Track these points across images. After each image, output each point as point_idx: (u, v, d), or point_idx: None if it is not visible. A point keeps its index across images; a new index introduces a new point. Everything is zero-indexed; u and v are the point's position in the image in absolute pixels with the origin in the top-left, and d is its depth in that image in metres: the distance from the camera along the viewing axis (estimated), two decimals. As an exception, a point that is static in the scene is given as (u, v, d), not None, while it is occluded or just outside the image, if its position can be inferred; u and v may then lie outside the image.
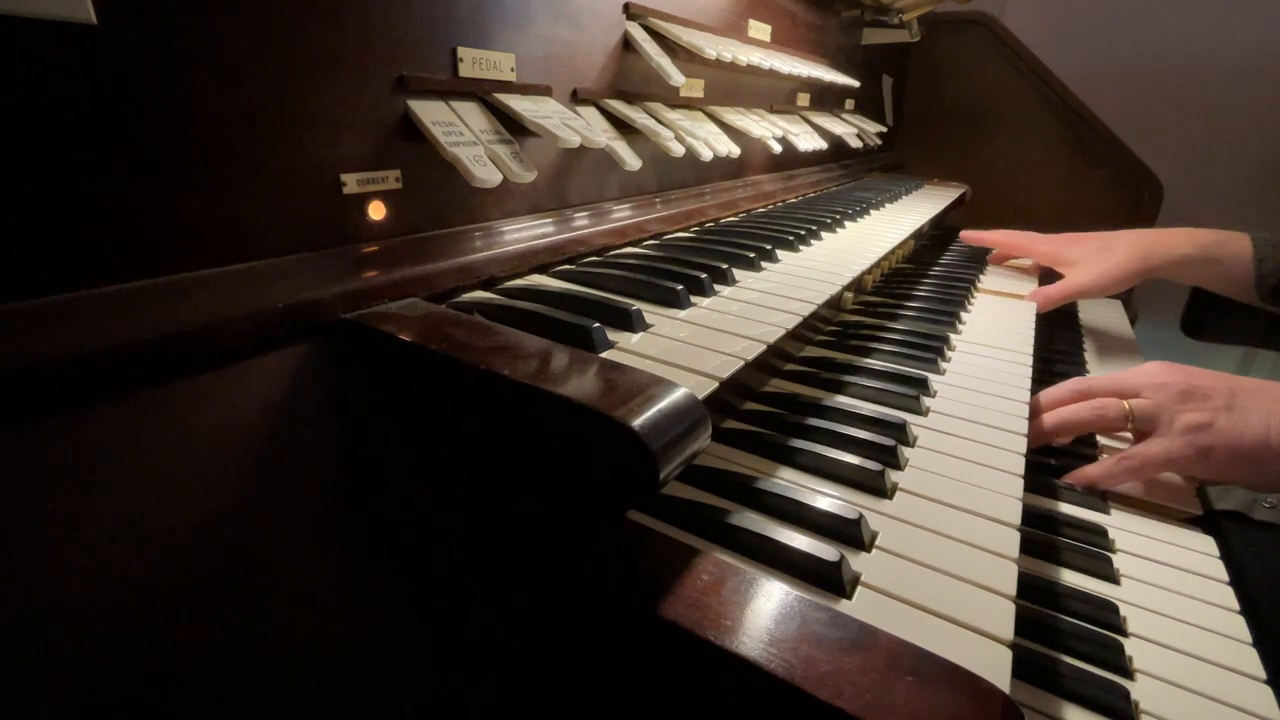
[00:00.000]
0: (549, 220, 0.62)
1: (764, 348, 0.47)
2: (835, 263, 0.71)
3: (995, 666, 0.31)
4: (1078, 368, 0.94)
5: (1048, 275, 1.06)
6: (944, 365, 0.69)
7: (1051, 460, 0.67)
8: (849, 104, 1.50)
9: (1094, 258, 0.95)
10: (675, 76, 0.69)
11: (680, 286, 0.53)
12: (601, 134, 0.61)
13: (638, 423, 0.31)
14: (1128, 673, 0.42)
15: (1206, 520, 0.60)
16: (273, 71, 0.39)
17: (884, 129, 1.58)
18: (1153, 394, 0.62)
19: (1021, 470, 0.49)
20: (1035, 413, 0.66)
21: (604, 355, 0.42)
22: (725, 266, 0.61)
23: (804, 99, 1.25)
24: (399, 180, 0.48)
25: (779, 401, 0.59)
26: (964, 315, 0.85)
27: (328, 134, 0.42)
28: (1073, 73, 1.70)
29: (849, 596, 0.36)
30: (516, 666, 0.44)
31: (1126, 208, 1.64)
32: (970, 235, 1.20)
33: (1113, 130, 1.63)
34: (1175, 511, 0.60)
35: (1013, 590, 0.37)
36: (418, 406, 0.42)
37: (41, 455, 0.28)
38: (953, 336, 0.77)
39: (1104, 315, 1.20)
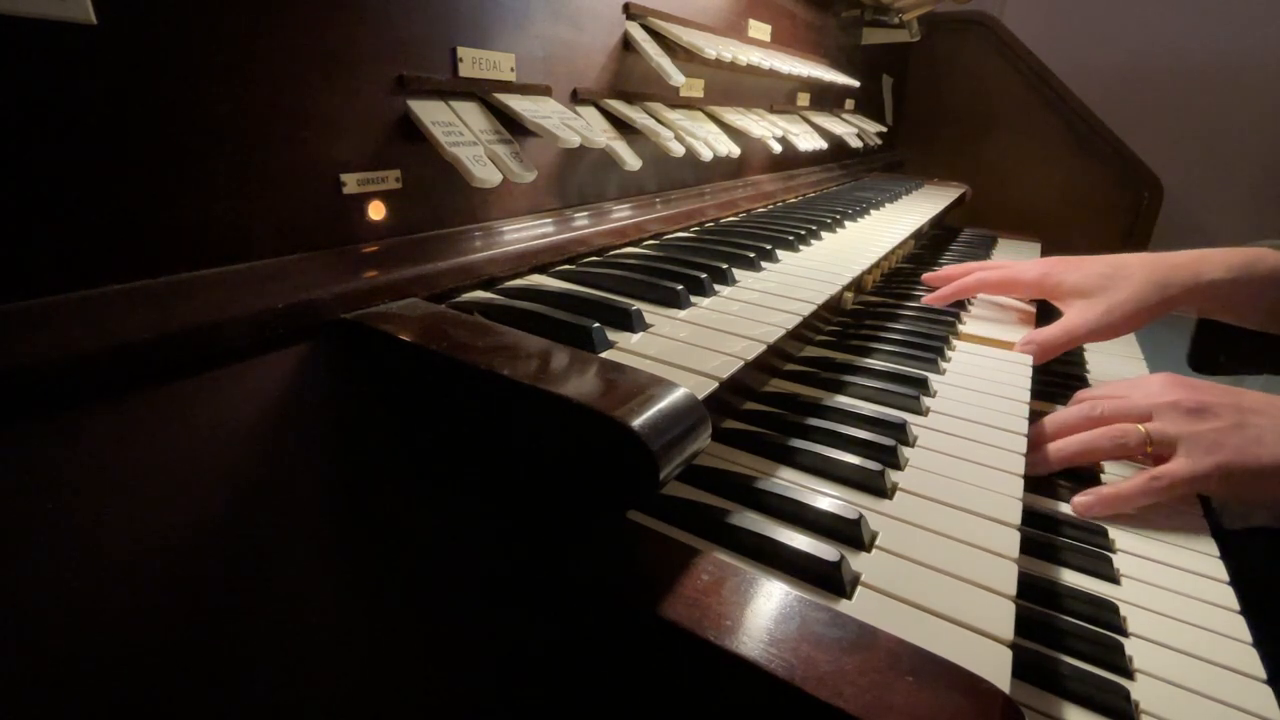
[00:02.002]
0: (549, 220, 0.62)
1: (764, 348, 0.47)
2: (835, 263, 0.71)
3: (995, 666, 0.31)
4: (1078, 368, 0.93)
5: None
6: (944, 365, 0.69)
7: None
8: (849, 104, 1.50)
9: (1099, 289, 0.76)
10: (675, 76, 0.69)
11: (680, 286, 0.53)
12: (601, 134, 0.61)
13: (638, 423, 0.31)
14: (1128, 673, 0.42)
15: (1206, 520, 0.60)
16: (272, 71, 0.39)
17: (884, 129, 1.58)
18: (1164, 414, 0.60)
19: (1022, 470, 0.49)
20: (1043, 439, 0.64)
21: (604, 355, 0.42)
22: (725, 266, 0.61)
23: (804, 99, 1.25)
24: (399, 180, 0.48)
25: (779, 401, 0.59)
26: (964, 316, 0.85)
27: (327, 134, 0.42)
28: (1073, 72, 1.70)
29: (849, 596, 0.36)
30: (516, 666, 0.44)
31: (1126, 208, 1.64)
32: (933, 297, 0.88)
33: (1113, 130, 1.63)
34: (1175, 512, 0.60)
35: (1013, 590, 0.37)
36: (417, 407, 0.42)
37: (41, 455, 0.28)
38: (953, 337, 0.77)
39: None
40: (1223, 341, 0.82)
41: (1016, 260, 0.89)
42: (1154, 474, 0.57)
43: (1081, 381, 0.89)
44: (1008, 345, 0.76)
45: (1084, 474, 0.64)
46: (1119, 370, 0.94)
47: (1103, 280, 0.76)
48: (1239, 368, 0.84)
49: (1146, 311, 0.73)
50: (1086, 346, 1.02)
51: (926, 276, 0.92)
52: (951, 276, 0.89)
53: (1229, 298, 0.73)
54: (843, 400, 0.59)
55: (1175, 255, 0.76)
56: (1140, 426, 0.60)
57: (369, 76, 0.44)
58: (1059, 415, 0.65)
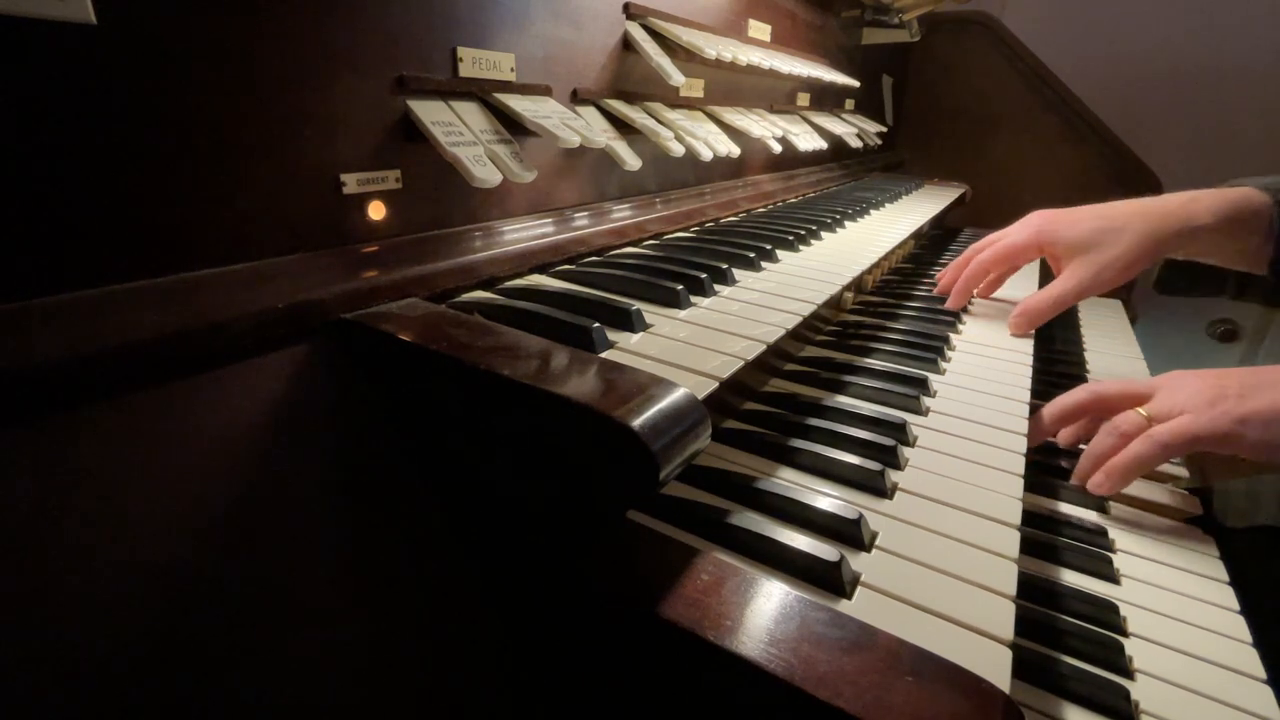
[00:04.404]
0: (549, 220, 0.62)
1: (764, 348, 0.47)
2: (835, 263, 0.71)
3: (995, 666, 0.31)
4: (1078, 368, 0.93)
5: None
6: (944, 365, 0.69)
7: (1062, 463, 0.66)
8: (849, 104, 1.50)
9: (1094, 243, 0.76)
10: (675, 76, 0.69)
11: (680, 286, 0.53)
12: (601, 134, 0.61)
13: (638, 423, 0.31)
14: (1128, 673, 0.42)
15: (1206, 520, 0.60)
16: (272, 71, 0.39)
17: (884, 129, 1.58)
18: (1169, 392, 0.58)
19: (1021, 470, 0.49)
20: (1045, 421, 0.63)
21: (604, 355, 0.42)
22: (725, 266, 0.61)
23: (804, 99, 1.25)
24: (399, 180, 0.48)
25: (779, 401, 0.59)
26: (964, 315, 0.85)
27: (328, 134, 0.42)
28: (1073, 72, 1.70)
29: (849, 596, 0.36)
30: (517, 666, 0.44)
31: (1126, 207, 1.64)
32: (949, 303, 0.87)
33: (1113, 130, 1.63)
34: (1176, 512, 0.60)
35: (1013, 590, 0.37)
36: (418, 407, 0.42)
37: (42, 455, 0.28)
38: (953, 336, 0.77)
39: (1103, 315, 1.20)
40: (1185, 270, 0.85)
41: (1004, 230, 0.88)
42: (1151, 431, 0.56)
43: (1081, 380, 0.89)
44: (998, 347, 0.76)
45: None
46: (1119, 369, 0.94)
47: (1098, 235, 0.77)
48: (1194, 289, 0.87)
49: (1139, 262, 0.75)
50: (1086, 346, 1.02)
51: (940, 277, 0.92)
52: (954, 279, 0.88)
53: (1215, 242, 0.74)
54: (843, 400, 0.59)
55: (1166, 202, 0.76)
56: (1140, 410, 0.59)
57: (369, 76, 0.44)
58: (1094, 446, 0.61)
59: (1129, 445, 0.57)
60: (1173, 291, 0.88)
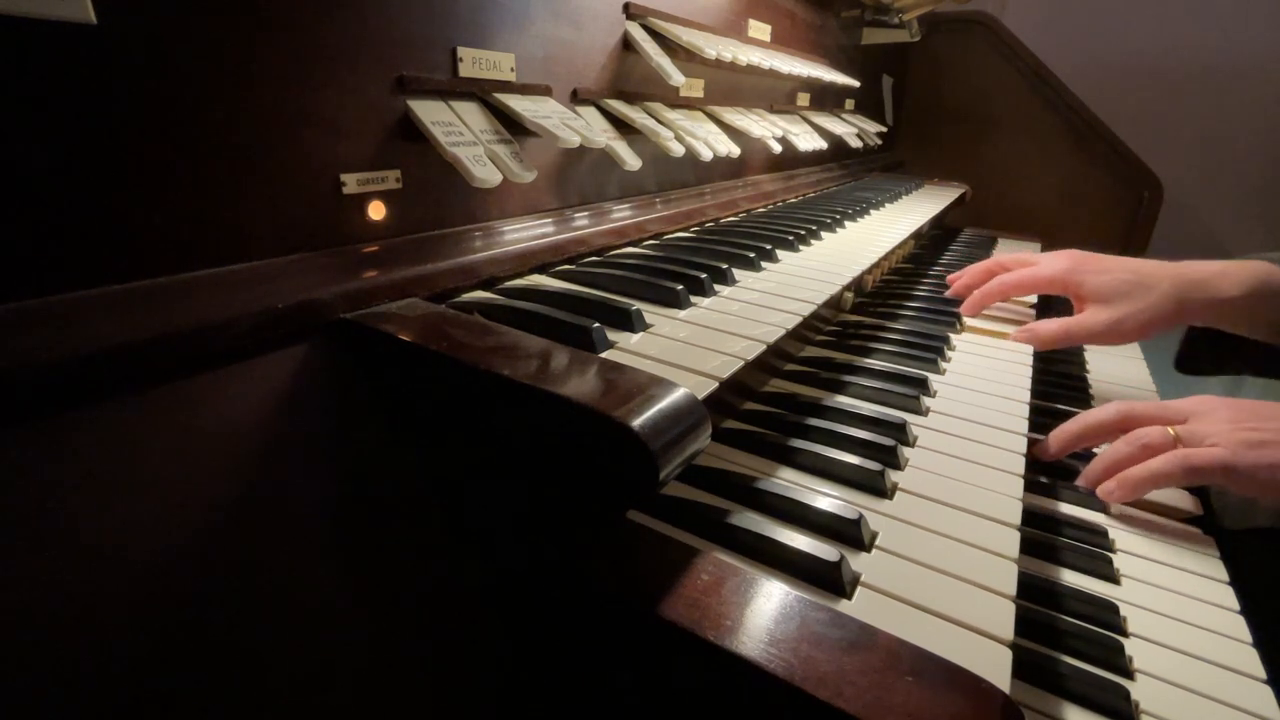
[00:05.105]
0: (549, 220, 0.62)
1: (764, 348, 0.46)
2: (835, 263, 0.71)
3: (995, 666, 0.31)
4: (1078, 367, 0.94)
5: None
6: (944, 365, 0.69)
7: (1064, 462, 0.66)
8: (849, 104, 1.50)
9: (1119, 295, 0.75)
10: (675, 76, 0.69)
11: (680, 286, 0.53)
12: (601, 134, 0.61)
13: (637, 423, 0.31)
14: (1128, 673, 0.42)
15: (1206, 520, 0.60)
16: (273, 72, 0.39)
17: (884, 129, 1.58)
18: (1201, 419, 0.58)
19: (1022, 470, 0.49)
20: (1071, 436, 0.62)
21: (604, 355, 0.42)
22: (725, 266, 0.61)
23: (804, 99, 1.25)
24: (399, 180, 0.48)
25: (779, 401, 0.59)
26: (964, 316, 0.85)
27: (328, 134, 0.42)
28: (1073, 72, 1.70)
29: (849, 596, 0.36)
30: (516, 667, 0.44)
31: (1126, 208, 1.65)
32: (962, 308, 0.87)
33: (1113, 130, 1.63)
34: (1176, 512, 0.60)
35: (1013, 590, 0.37)
36: (418, 407, 0.42)
37: (41, 456, 0.28)
38: (953, 336, 0.77)
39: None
40: (1209, 346, 0.82)
41: (1036, 255, 0.87)
42: (1185, 454, 0.54)
43: (1081, 381, 0.89)
44: (1003, 335, 0.78)
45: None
46: (1119, 369, 0.94)
47: (1125, 287, 0.76)
48: (1218, 369, 0.84)
49: (1161, 322, 0.73)
50: (1088, 351, 1.02)
51: (951, 280, 0.92)
52: (973, 285, 0.88)
53: (1239, 313, 0.73)
54: (843, 400, 0.59)
55: (1199, 269, 0.75)
56: (1169, 429, 0.58)
57: (369, 76, 0.44)
58: (1111, 452, 0.61)
59: (1154, 459, 0.56)
60: (1193, 371, 0.86)
